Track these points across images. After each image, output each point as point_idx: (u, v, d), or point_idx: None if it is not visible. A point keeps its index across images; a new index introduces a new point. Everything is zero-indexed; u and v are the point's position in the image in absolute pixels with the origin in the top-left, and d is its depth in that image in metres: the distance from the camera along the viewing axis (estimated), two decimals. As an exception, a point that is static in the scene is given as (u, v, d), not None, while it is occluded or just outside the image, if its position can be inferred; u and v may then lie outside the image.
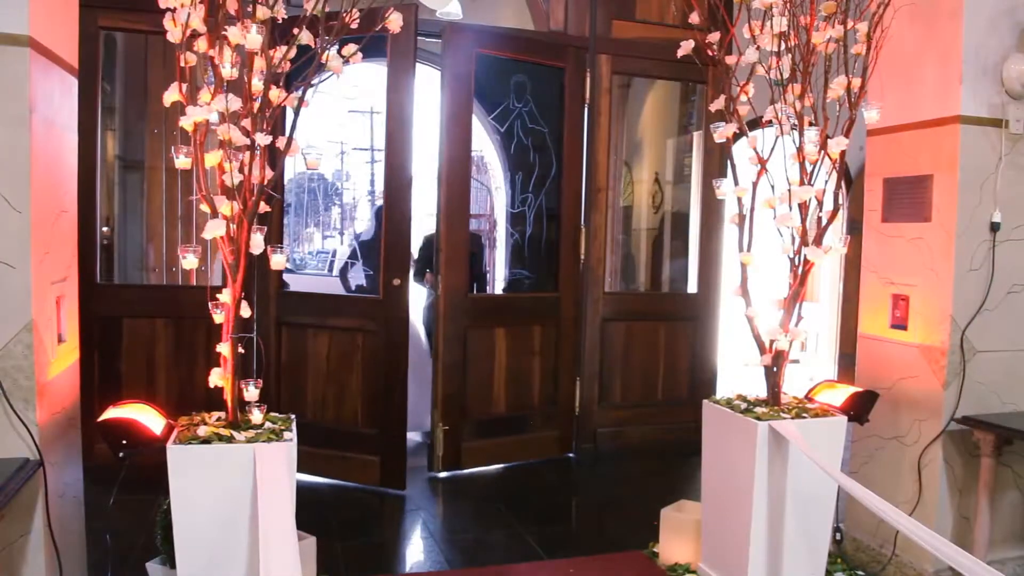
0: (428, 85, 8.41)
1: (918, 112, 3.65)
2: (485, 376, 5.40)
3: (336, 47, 2.88)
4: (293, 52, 2.87)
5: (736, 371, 8.47)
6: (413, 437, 6.22)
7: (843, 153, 3.41)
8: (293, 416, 3.12)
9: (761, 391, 3.64)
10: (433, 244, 6.47)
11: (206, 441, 2.79)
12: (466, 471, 5.31)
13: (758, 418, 3.35)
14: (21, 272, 2.57)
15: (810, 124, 3.41)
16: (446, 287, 5.21)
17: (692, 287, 6.19)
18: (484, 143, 7.66)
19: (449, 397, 5.21)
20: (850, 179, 7.26)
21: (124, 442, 2.83)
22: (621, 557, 4.02)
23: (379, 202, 6.69)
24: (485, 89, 5.22)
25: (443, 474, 5.23)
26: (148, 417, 2.94)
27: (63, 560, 2.79)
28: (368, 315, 4.93)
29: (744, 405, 3.54)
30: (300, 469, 3.18)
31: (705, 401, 3.69)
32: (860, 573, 3.83)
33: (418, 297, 6.46)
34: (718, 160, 5.94)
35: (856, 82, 3.37)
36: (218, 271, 5.28)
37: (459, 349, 5.24)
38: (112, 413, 2.93)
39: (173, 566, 2.91)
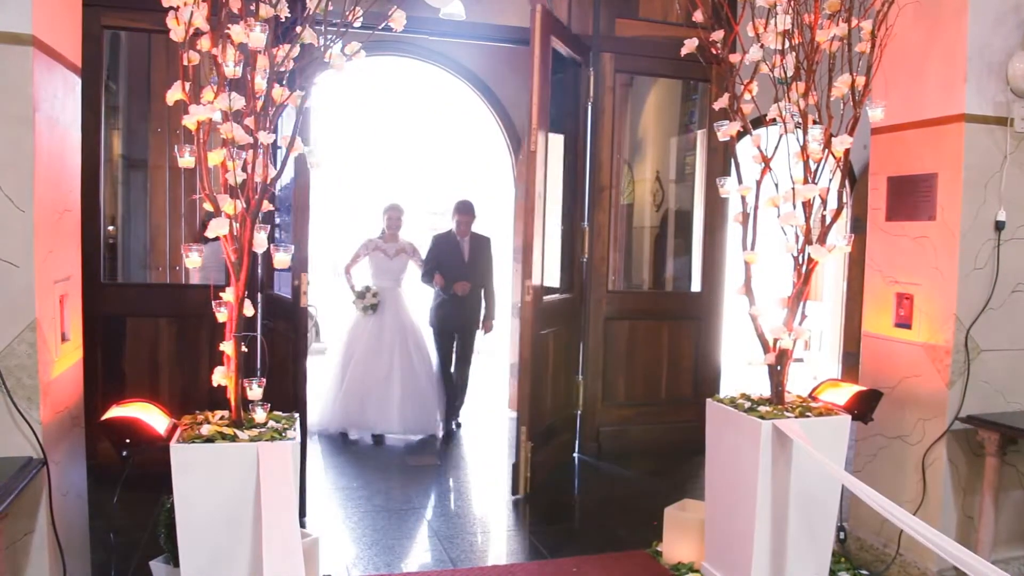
0: (433, 86, 8.42)
1: (922, 110, 3.64)
2: (543, 382, 5.25)
3: (340, 45, 2.88)
4: (296, 51, 2.87)
5: (740, 370, 8.48)
6: (416, 438, 6.23)
7: (847, 151, 3.41)
8: (296, 415, 3.13)
9: (765, 390, 3.64)
10: (443, 244, 6.46)
11: (209, 440, 2.79)
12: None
13: (762, 417, 3.34)
14: (24, 271, 2.57)
15: (814, 122, 3.40)
16: (536, 291, 4.86)
17: (696, 286, 6.18)
18: (491, 139, 7.65)
19: (533, 409, 4.92)
20: (854, 178, 7.24)
21: (127, 441, 2.84)
22: (624, 556, 4.02)
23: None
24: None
25: (519, 496, 4.93)
26: (151, 416, 2.94)
27: (67, 558, 2.79)
28: (285, 317, 4.50)
29: (748, 404, 3.54)
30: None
31: (709, 400, 3.69)
32: (864, 572, 3.83)
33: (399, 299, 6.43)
34: (721, 158, 5.93)
35: (860, 80, 3.37)
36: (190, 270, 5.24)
37: (537, 357, 4.97)
38: (115, 412, 2.94)
39: (177, 564, 2.92)
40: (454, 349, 6.59)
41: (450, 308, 6.44)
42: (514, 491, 4.95)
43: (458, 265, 6.41)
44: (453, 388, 6.57)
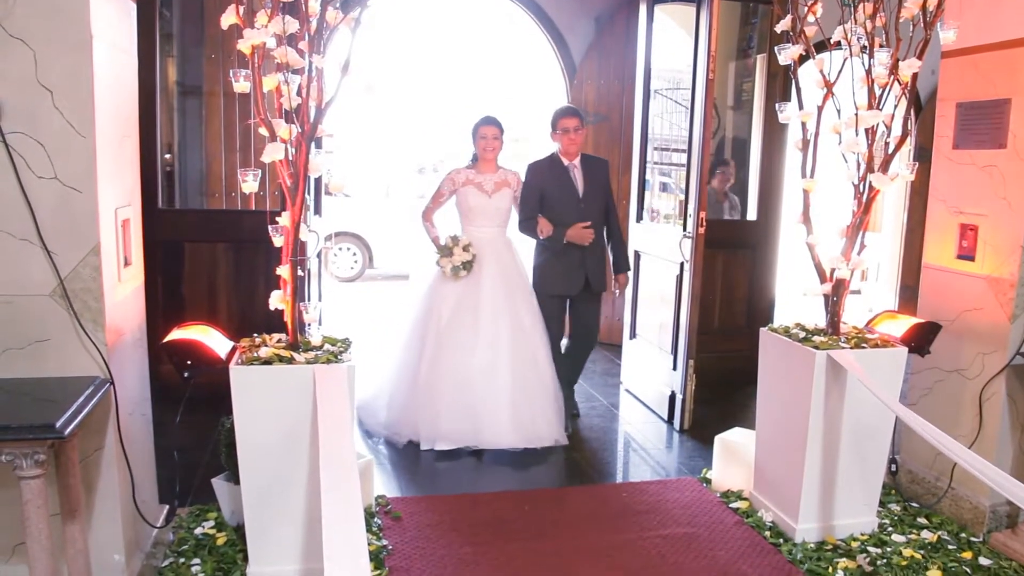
0: (484, 9, 8.26)
1: (998, 32, 3.47)
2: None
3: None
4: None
5: (794, 300, 8.37)
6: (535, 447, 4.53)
7: (915, 76, 3.28)
8: (350, 339, 3.18)
9: (820, 321, 3.60)
10: (544, 175, 4.64)
11: (267, 362, 2.86)
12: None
13: (816, 347, 3.31)
14: (87, 196, 2.61)
15: (880, 46, 3.27)
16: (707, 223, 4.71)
17: (751, 214, 6.08)
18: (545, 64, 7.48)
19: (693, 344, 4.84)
20: (919, 104, 6.99)
21: (189, 362, 2.92)
22: (674, 483, 4.06)
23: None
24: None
25: (684, 429, 4.89)
26: (211, 338, 3.01)
27: (134, 474, 2.91)
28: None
29: (802, 334, 3.50)
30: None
31: (763, 329, 3.66)
32: (915, 505, 3.81)
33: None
34: (781, 84, 5.76)
35: (932, 0, 3.21)
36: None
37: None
38: (177, 334, 3.01)
39: (237, 482, 3.02)
40: (568, 320, 4.89)
41: (566, 266, 4.64)
42: (680, 426, 4.88)
43: (571, 204, 4.59)
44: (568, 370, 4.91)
